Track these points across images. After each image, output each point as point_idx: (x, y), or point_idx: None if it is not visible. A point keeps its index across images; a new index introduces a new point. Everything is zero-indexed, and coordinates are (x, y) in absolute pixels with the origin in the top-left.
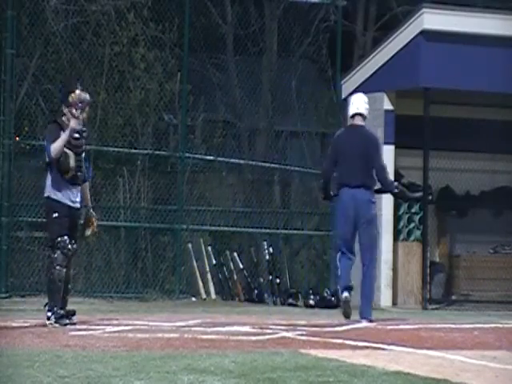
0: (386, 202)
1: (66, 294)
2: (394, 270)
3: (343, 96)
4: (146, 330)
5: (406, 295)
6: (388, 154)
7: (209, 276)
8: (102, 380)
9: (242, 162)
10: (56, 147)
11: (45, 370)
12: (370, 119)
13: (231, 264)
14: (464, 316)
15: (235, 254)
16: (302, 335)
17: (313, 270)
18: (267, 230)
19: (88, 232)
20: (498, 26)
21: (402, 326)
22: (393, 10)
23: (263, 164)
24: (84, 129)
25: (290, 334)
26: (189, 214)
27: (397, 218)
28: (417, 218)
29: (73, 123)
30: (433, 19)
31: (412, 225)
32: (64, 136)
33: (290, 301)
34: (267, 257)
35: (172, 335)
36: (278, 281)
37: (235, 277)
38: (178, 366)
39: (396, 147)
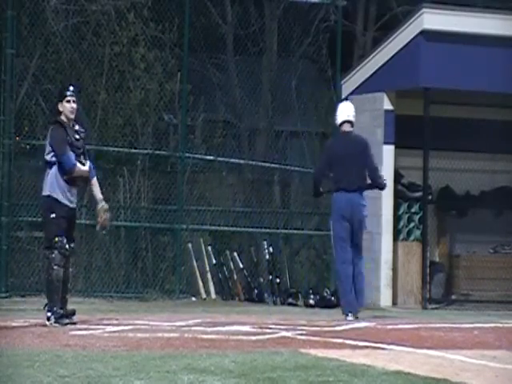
0: (386, 202)
1: (66, 294)
2: (394, 269)
3: (343, 96)
4: (146, 330)
5: (405, 295)
6: (388, 153)
7: (209, 276)
8: (102, 380)
9: (242, 161)
10: (78, 171)
11: (45, 370)
12: (369, 119)
13: (231, 264)
14: (464, 316)
15: (235, 254)
16: (301, 335)
17: (313, 270)
18: (267, 230)
19: (97, 227)
20: (498, 26)
21: (401, 326)
22: (393, 10)
23: (263, 164)
24: (82, 130)
25: (289, 334)
26: (189, 214)
27: (397, 218)
28: (417, 217)
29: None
30: (433, 19)
31: (412, 225)
32: (83, 169)
33: (290, 300)
34: (267, 257)
35: (172, 335)
36: (277, 281)
37: (235, 277)
38: (178, 365)
39: (396, 147)
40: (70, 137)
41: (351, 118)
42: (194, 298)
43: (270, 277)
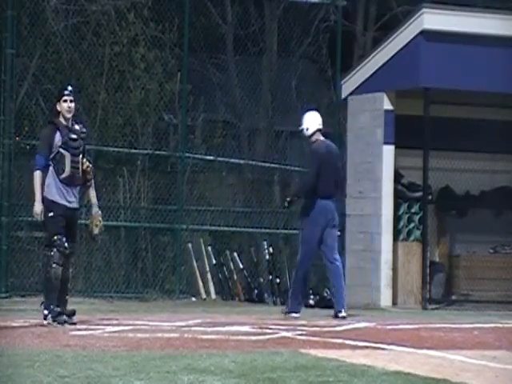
0: (386, 202)
1: (66, 294)
2: (394, 269)
3: (343, 96)
4: (146, 330)
5: (405, 295)
6: (388, 153)
7: (209, 276)
8: (102, 380)
9: (241, 161)
10: (34, 177)
11: (45, 370)
12: (370, 119)
13: (231, 264)
14: (464, 316)
15: (235, 254)
16: (301, 335)
17: (313, 270)
18: (267, 230)
19: (96, 231)
20: (498, 26)
21: (401, 326)
22: (393, 10)
23: (263, 164)
24: (84, 130)
25: (289, 334)
26: (189, 214)
27: (397, 218)
28: (417, 217)
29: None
30: (433, 19)
31: (412, 225)
32: (37, 194)
33: None
34: (267, 257)
35: (172, 335)
36: (278, 281)
37: (235, 277)
38: (178, 365)
39: (396, 147)
40: (64, 137)
41: (321, 127)
42: (193, 298)
43: (270, 277)
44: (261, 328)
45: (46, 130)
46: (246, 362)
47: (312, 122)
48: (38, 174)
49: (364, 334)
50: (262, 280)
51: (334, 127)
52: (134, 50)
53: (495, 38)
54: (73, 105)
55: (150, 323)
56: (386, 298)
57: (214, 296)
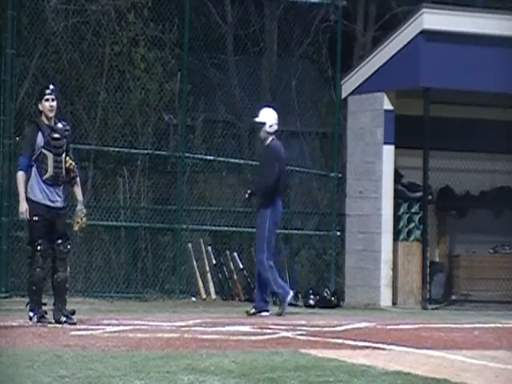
0: (386, 202)
1: (65, 294)
2: (394, 269)
3: (343, 96)
4: (145, 330)
5: (405, 295)
6: (388, 153)
7: (209, 276)
8: (102, 380)
9: (241, 162)
10: (17, 178)
11: (45, 370)
12: (370, 119)
13: (231, 264)
14: (464, 316)
15: (235, 254)
16: (301, 335)
17: (313, 270)
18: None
19: (75, 227)
20: (498, 26)
21: (401, 326)
22: (393, 10)
23: None
24: (67, 128)
25: (289, 334)
26: (189, 214)
27: (397, 218)
28: (417, 217)
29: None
30: (433, 19)
31: (412, 225)
32: (22, 193)
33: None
34: None
35: (172, 335)
36: None
37: (235, 277)
38: (178, 365)
39: (396, 147)
40: (46, 137)
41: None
42: (193, 298)
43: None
44: (261, 328)
45: (28, 131)
46: (245, 362)
47: (275, 119)
48: (20, 174)
49: (364, 334)
50: None
51: (334, 127)
52: (134, 50)
53: (495, 38)
54: (55, 103)
55: (150, 323)
56: (385, 298)
57: (214, 296)
